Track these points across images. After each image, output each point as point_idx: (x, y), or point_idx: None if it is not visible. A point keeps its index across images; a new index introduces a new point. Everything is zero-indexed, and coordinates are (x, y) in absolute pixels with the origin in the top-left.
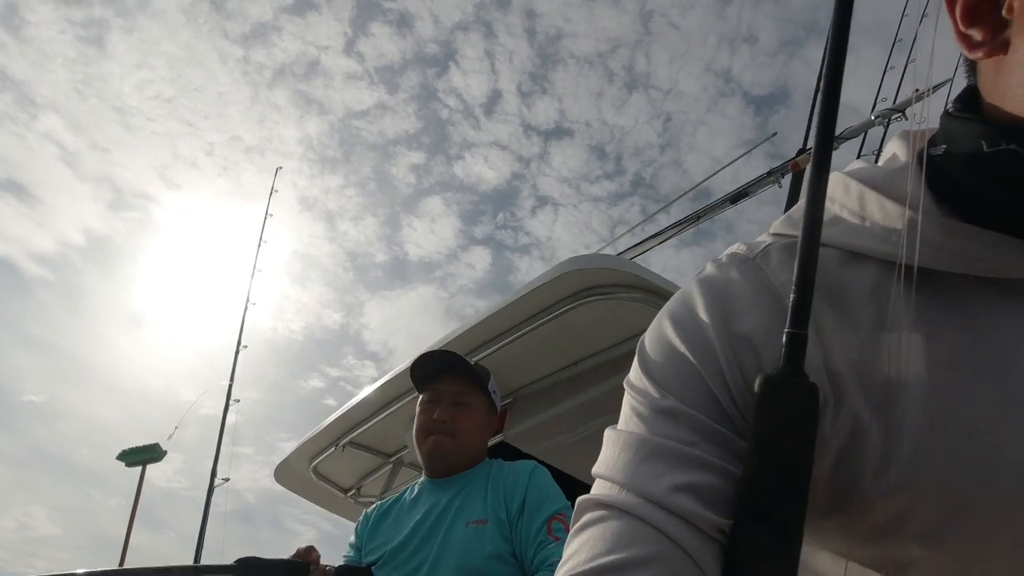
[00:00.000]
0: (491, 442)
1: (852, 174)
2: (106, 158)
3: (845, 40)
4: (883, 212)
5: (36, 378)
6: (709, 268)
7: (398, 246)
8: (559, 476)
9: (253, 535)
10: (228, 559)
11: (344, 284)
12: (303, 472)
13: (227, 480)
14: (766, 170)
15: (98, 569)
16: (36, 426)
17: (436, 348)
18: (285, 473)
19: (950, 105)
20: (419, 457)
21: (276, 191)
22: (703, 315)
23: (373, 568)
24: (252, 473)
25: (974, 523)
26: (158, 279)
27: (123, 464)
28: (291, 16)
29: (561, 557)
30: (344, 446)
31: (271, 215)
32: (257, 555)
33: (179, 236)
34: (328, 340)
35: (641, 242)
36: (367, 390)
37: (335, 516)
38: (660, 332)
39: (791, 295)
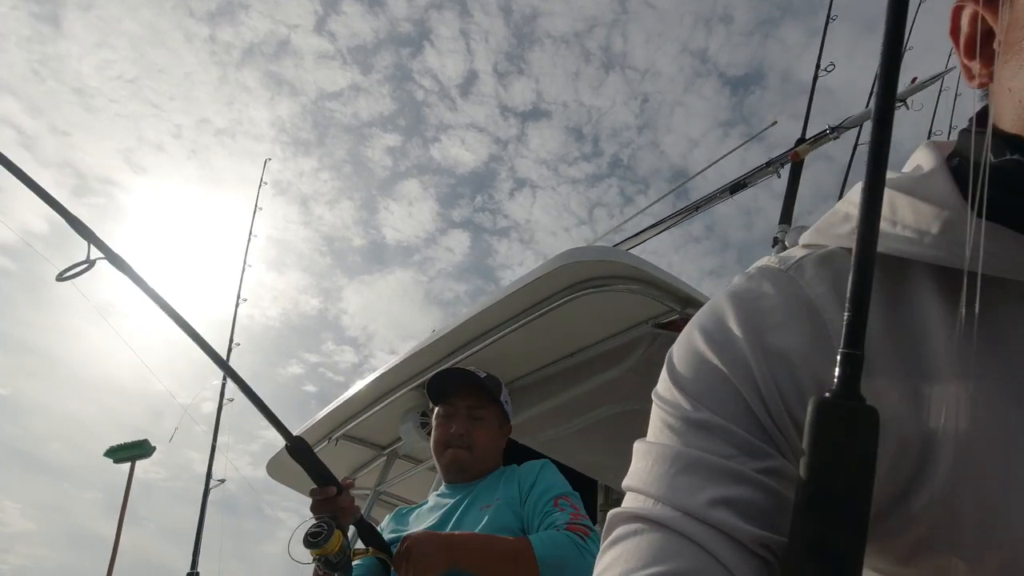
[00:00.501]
0: None
1: None
2: (67, 142)
3: (900, 40)
4: (916, 215)
5: (1, 372)
6: (739, 281)
7: (375, 230)
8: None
9: (237, 524)
10: (227, 554)
11: (321, 269)
12: (295, 466)
13: (223, 482)
14: (761, 160)
15: None
16: (2, 422)
17: (452, 364)
18: (277, 468)
19: (967, 124)
20: (439, 467)
21: (265, 183)
22: (735, 329)
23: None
24: (234, 460)
25: (1013, 537)
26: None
27: (111, 460)
28: None
29: (565, 520)
30: (337, 440)
31: (260, 208)
32: (244, 547)
33: (147, 222)
34: (306, 326)
35: (637, 233)
36: (359, 384)
37: None
38: (691, 345)
39: (845, 312)
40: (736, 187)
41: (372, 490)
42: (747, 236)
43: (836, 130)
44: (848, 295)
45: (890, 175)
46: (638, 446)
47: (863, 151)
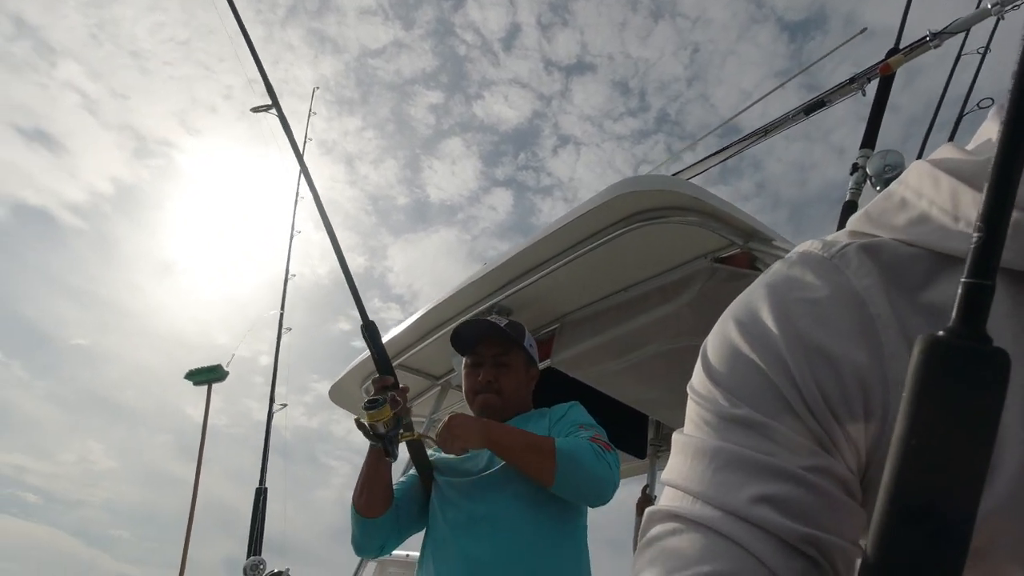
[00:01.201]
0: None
1: (940, 164)
2: (126, 105)
3: None
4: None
5: (79, 325)
6: (778, 268)
7: (419, 188)
8: (606, 401)
9: (292, 470)
10: (282, 496)
11: (367, 228)
12: (355, 393)
13: (285, 406)
14: (798, 104)
15: None
16: (84, 370)
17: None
18: (339, 393)
19: None
20: (472, 412)
21: (314, 113)
22: (771, 323)
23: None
24: (288, 411)
25: None
26: (185, 226)
27: (191, 383)
28: None
29: (588, 435)
30: (394, 369)
31: (310, 139)
32: (299, 493)
33: (203, 182)
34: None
35: (694, 164)
36: (414, 316)
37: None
38: (725, 338)
39: (974, 233)
40: (813, 107)
41: (427, 418)
42: (800, 193)
43: (938, 36)
44: (981, 211)
45: (953, 158)
46: (676, 438)
47: (967, 62)
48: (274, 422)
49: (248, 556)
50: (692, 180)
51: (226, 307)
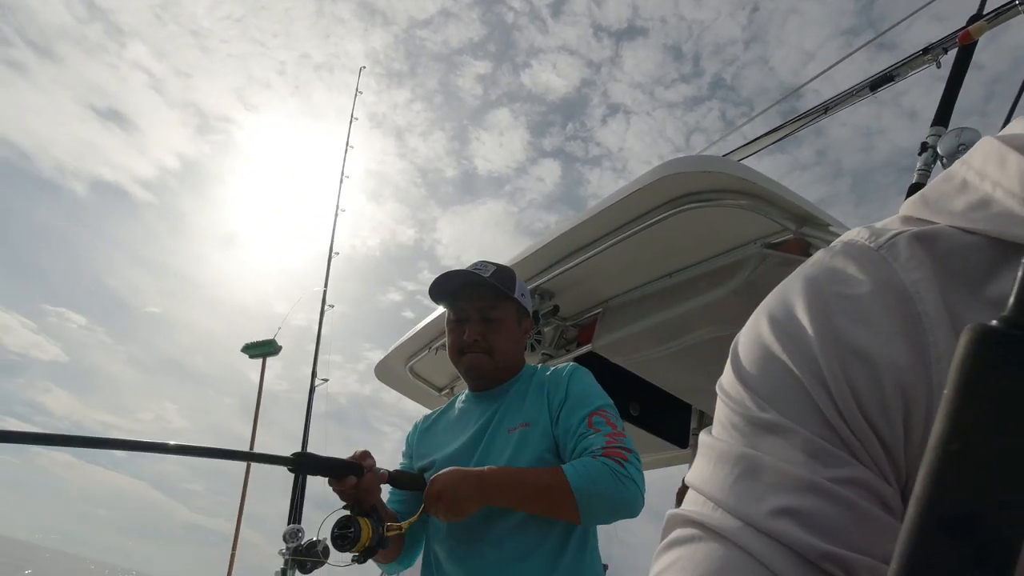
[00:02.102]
0: (578, 352)
1: (1010, 141)
2: (189, 83)
3: None
4: None
5: (152, 294)
6: (819, 259)
7: (467, 160)
8: (648, 388)
9: (346, 435)
10: (328, 453)
11: (416, 200)
12: (400, 371)
13: (326, 380)
14: (866, 68)
15: (171, 443)
16: (158, 336)
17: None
18: (385, 371)
19: None
20: (460, 373)
21: (360, 92)
22: (805, 319)
23: (424, 475)
24: (343, 379)
25: None
26: (246, 199)
27: (247, 356)
28: None
29: (600, 444)
30: (437, 349)
31: (356, 118)
32: (350, 452)
33: (260, 156)
34: (403, 256)
35: (747, 143)
36: None
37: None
38: (756, 335)
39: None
40: (879, 81)
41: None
42: (864, 160)
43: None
44: None
45: (1018, 131)
46: (702, 439)
47: None
48: (317, 396)
49: (288, 523)
50: (746, 159)
51: (283, 278)
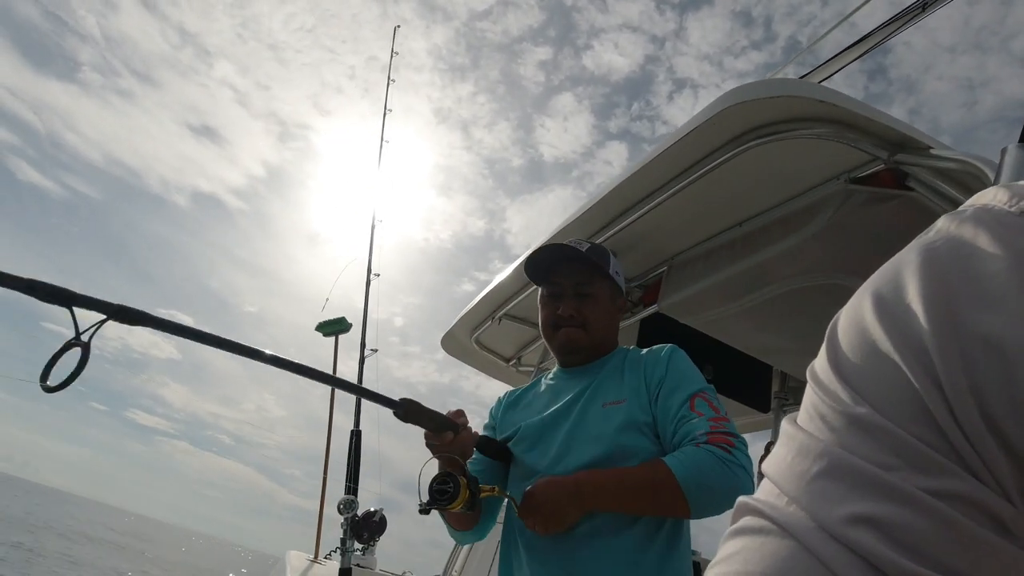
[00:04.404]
0: (644, 314)
1: None
2: (269, 95)
3: None
4: None
5: (248, 293)
6: (943, 226)
7: (533, 148)
8: (722, 349)
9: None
10: (397, 441)
11: (485, 191)
12: (466, 343)
13: (375, 351)
14: None
15: (296, 362)
16: (255, 332)
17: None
18: (451, 343)
19: None
20: (551, 350)
21: (396, 53)
22: (918, 304)
23: (508, 444)
24: (422, 368)
25: None
26: (324, 199)
27: (321, 335)
28: None
29: (704, 429)
30: (500, 319)
31: (393, 80)
32: (421, 439)
33: (336, 157)
34: (475, 247)
35: (828, 60)
36: (513, 265)
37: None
38: (858, 317)
39: None
40: None
41: (535, 367)
42: (967, 117)
43: None
44: None
45: None
46: (785, 427)
47: None
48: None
49: (344, 494)
50: (825, 81)
51: (361, 270)
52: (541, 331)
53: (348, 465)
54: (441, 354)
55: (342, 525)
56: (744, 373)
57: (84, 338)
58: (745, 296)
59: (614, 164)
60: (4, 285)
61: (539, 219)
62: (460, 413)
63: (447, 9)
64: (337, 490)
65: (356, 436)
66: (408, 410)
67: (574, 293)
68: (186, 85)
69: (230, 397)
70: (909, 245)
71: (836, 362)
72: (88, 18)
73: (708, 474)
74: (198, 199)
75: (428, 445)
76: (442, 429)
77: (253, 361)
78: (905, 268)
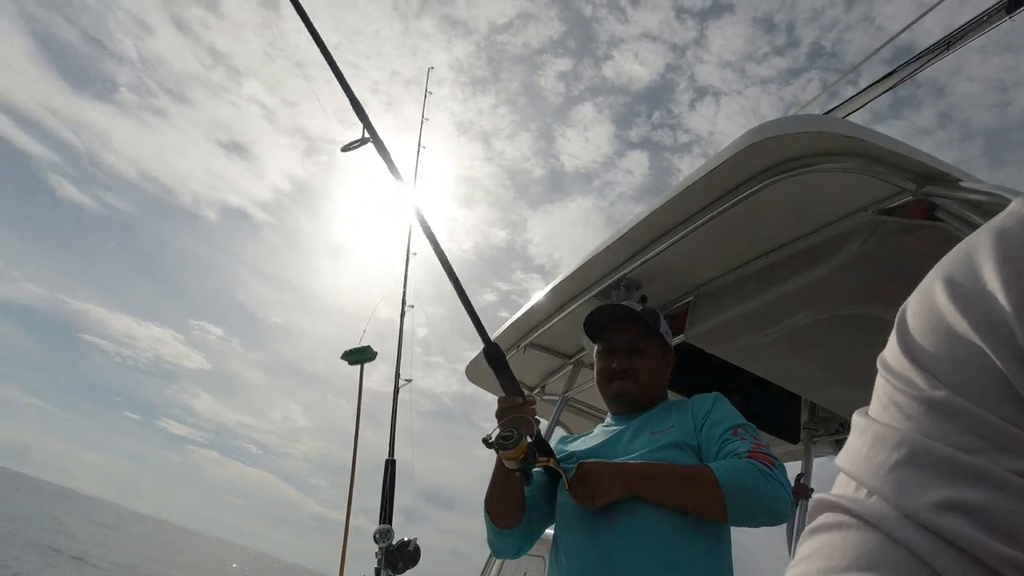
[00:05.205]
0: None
1: None
2: (295, 111)
3: None
4: None
5: (275, 305)
6: (1016, 208)
7: (554, 159)
8: (750, 380)
9: (451, 430)
10: (419, 449)
11: (506, 202)
12: (489, 371)
13: (410, 381)
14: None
15: None
16: (282, 344)
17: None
18: (475, 372)
19: None
20: (605, 400)
21: (430, 93)
22: (996, 281)
23: (560, 462)
24: (446, 379)
25: None
26: (349, 212)
27: (346, 363)
28: None
29: (746, 448)
30: (525, 348)
31: (427, 119)
32: (454, 449)
33: (359, 170)
34: (496, 257)
35: (855, 95)
36: (539, 294)
37: None
38: (931, 302)
39: None
40: (1018, 1)
41: (560, 396)
42: (1000, 118)
43: None
44: None
45: None
46: (856, 420)
47: None
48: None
49: (379, 524)
50: (852, 115)
51: (388, 283)
52: (596, 382)
53: (383, 494)
54: (463, 364)
55: (377, 555)
56: (773, 404)
57: None
58: (773, 326)
59: (635, 173)
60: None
61: (561, 229)
62: (532, 398)
63: (468, 23)
64: (360, 508)
65: (391, 465)
66: (494, 356)
67: (627, 349)
68: (217, 103)
69: (257, 407)
70: (978, 230)
71: (908, 348)
72: (125, 40)
73: (748, 481)
74: (227, 213)
75: (499, 409)
76: (517, 392)
77: (278, 370)
78: (978, 250)
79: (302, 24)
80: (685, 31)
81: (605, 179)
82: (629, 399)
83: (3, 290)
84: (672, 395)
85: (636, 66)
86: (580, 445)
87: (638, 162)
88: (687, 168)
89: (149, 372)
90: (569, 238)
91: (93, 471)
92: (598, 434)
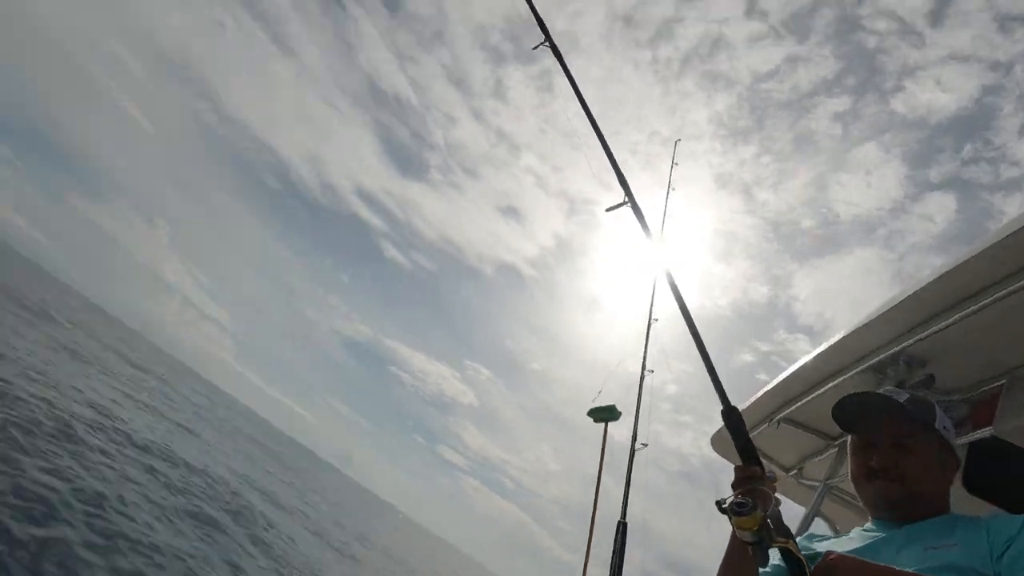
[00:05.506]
0: (975, 437)
1: None
2: (561, 176)
3: None
4: None
5: (535, 353)
6: None
7: (826, 208)
8: None
9: (694, 494)
10: (663, 511)
11: (768, 256)
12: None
13: (645, 445)
14: None
15: None
16: (540, 389)
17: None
18: (720, 443)
19: None
20: (862, 503)
21: (676, 164)
22: None
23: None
24: (694, 440)
25: None
26: (603, 267)
27: (591, 420)
28: (688, 1)
29: None
30: (778, 422)
31: (673, 189)
32: (697, 513)
33: (614, 226)
34: (756, 314)
35: None
36: (799, 363)
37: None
38: None
39: None
40: None
41: (821, 483)
42: None
43: None
44: None
45: None
46: None
47: None
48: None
49: None
50: None
51: (632, 343)
52: (851, 480)
53: (613, 555)
54: (712, 426)
55: None
56: None
57: None
58: None
59: (936, 219)
60: None
61: (834, 284)
62: (772, 477)
63: (729, 76)
64: (599, 558)
65: (622, 527)
66: (731, 417)
67: (891, 444)
68: (499, 175)
69: (515, 446)
70: None
71: None
72: (436, 132)
73: None
74: (501, 269)
75: (735, 479)
76: (754, 460)
77: (535, 413)
78: None
79: (576, 103)
80: (1011, 43)
81: (892, 227)
82: (892, 505)
83: (344, 327)
84: (966, 503)
85: (938, 94)
86: (831, 546)
87: (940, 205)
88: (1014, 208)
89: (432, 403)
90: (845, 293)
91: (391, 480)
92: (855, 537)
